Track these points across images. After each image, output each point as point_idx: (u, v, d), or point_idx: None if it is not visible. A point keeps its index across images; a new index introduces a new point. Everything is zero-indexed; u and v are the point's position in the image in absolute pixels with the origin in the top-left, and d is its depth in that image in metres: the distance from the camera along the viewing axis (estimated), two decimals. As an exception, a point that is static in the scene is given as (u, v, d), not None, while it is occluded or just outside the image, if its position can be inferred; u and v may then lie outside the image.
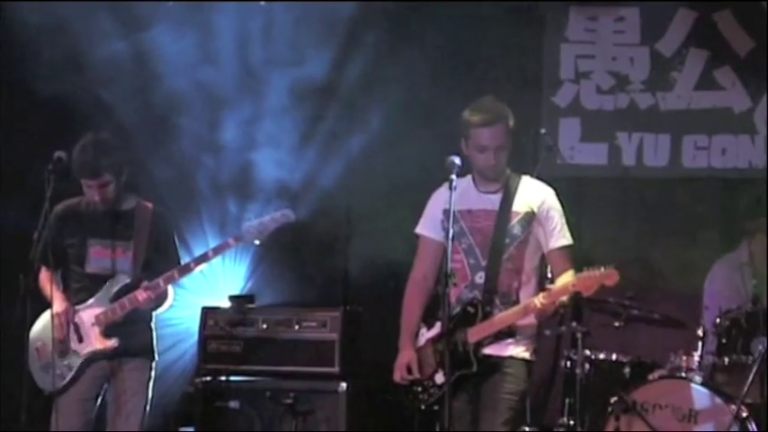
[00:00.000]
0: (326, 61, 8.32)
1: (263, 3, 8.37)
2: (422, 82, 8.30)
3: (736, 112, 8.26)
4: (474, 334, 5.91)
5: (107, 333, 6.41)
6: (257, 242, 6.52)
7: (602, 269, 5.79)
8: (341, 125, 8.59)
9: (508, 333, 5.96)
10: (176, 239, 6.77)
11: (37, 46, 7.93)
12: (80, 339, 6.42)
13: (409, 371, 6.06)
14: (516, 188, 6.10)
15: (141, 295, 6.36)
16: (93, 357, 6.41)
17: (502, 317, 5.91)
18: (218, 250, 6.55)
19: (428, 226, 6.19)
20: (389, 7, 8.40)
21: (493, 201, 6.09)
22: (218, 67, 8.53)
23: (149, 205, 6.64)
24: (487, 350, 5.94)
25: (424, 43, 8.27)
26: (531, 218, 6.04)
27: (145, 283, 6.39)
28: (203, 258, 6.51)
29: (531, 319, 5.97)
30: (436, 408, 6.00)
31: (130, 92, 8.37)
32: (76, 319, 6.45)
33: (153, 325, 6.59)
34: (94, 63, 8.23)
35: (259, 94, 8.60)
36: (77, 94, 8.00)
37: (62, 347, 6.40)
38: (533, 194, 6.09)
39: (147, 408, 6.52)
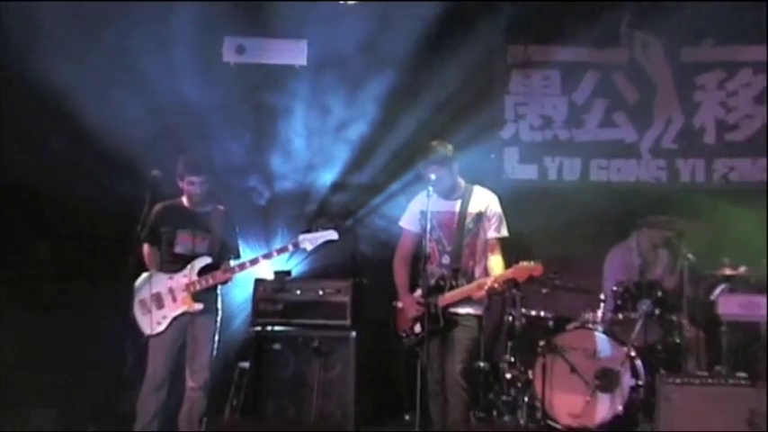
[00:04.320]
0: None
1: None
2: (410, 122, 7.98)
3: (627, 142, 8.30)
4: (443, 300, 6.01)
5: (194, 297, 6.38)
6: (309, 249, 6.43)
7: (532, 263, 5.90)
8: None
9: (466, 299, 6.02)
10: (238, 236, 6.71)
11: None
12: (173, 299, 6.40)
13: (407, 305, 6.09)
14: (470, 196, 6.19)
15: (222, 275, 6.42)
16: (181, 315, 6.39)
17: (463, 290, 6.02)
18: (280, 251, 6.54)
19: (408, 221, 6.30)
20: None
21: (454, 205, 6.17)
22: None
23: (221, 208, 6.64)
24: (451, 310, 6.01)
25: (415, 93, 8.04)
26: (480, 216, 6.17)
27: (224, 266, 6.45)
28: (268, 255, 6.54)
29: (481, 292, 5.98)
30: (417, 349, 5.99)
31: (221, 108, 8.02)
32: (172, 284, 6.42)
33: (219, 292, 6.53)
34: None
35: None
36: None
37: (159, 303, 6.40)
38: (482, 200, 6.21)
39: (214, 350, 6.48)
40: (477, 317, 6.10)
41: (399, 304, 6.21)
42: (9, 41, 7.25)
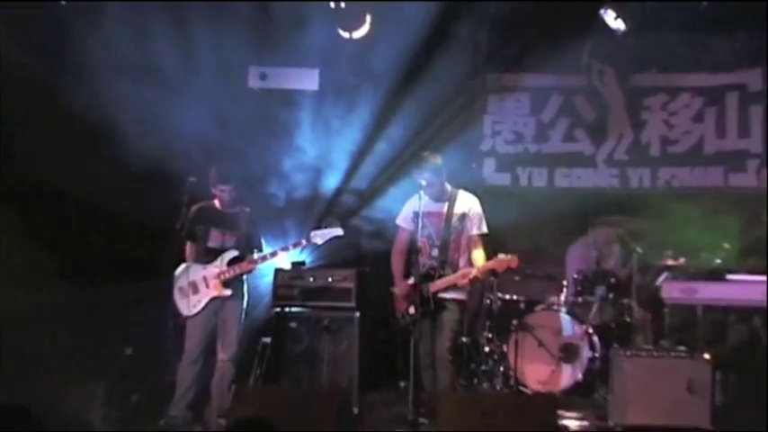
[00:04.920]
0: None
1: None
2: (403, 137, 8.00)
3: (586, 154, 8.31)
4: (433, 287, 6.10)
5: (224, 284, 6.42)
6: (319, 243, 6.50)
7: (509, 256, 6.01)
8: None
9: (452, 286, 6.11)
10: (260, 232, 6.74)
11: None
12: (207, 286, 6.44)
13: (401, 291, 6.17)
14: (455, 198, 6.26)
15: (248, 266, 6.46)
16: (214, 299, 6.43)
17: (450, 279, 6.10)
18: (295, 245, 6.59)
19: (403, 220, 6.38)
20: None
21: (442, 206, 6.25)
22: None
23: (247, 210, 6.67)
24: (439, 295, 6.09)
25: (408, 112, 7.97)
26: (464, 216, 6.23)
27: (249, 258, 6.48)
28: (286, 249, 6.59)
29: (465, 280, 6.08)
30: (411, 328, 6.05)
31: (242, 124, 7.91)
32: (205, 273, 6.45)
33: (245, 280, 6.55)
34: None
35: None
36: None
37: (195, 289, 6.43)
38: (465, 202, 6.28)
39: (241, 328, 6.52)
40: (461, 301, 6.20)
41: (396, 290, 6.28)
42: (66, 69, 7.25)
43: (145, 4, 7.13)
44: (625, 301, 6.98)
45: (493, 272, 6.20)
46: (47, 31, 7.29)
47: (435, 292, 6.09)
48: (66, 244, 7.34)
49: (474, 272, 6.07)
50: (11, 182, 7.16)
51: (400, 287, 6.23)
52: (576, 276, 7.17)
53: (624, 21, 7.13)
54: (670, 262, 6.85)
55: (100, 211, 7.38)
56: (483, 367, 6.98)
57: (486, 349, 7.01)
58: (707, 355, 6.10)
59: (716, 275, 6.43)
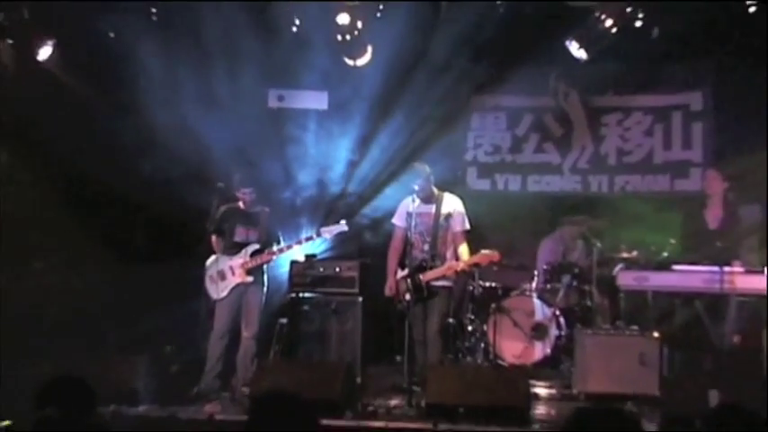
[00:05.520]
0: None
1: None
2: (399, 149, 7.88)
3: (554, 164, 8.29)
4: (425, 277, 6.09)
5: (247, 272, 6.41)
6: (327, 237, 6.50)
7: (492, 251, 6.01)
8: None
9: (441, 276, 6.11)
10: (277, 229, 6.71)
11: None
12: (233, 274, 6.42)
13: (390, 290, 6.17)
14: (442, 200, 6.25)
15: (268, 257, 6.44)
16: (239, 285, 6.43)
17: (439, 270, 6.08)
18: (307, 239, 6.54)
19: (399, 219, 6.36)
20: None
21: (431, 207, 6.24)
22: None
23: (266, 209, 6.65)
24: (431, 284, 6.08)
25: (403, 128, 7.88)
26: (450, 215, 6.22)
27: (268, 250, 6.45)
28: (299, 242, 6.55)
29: (452, 271, 6.09)
30: (406, 311, 6.03)
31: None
32: (231, 263, 6.42)
33: (265, 269, 6.52)
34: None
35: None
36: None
37: (222, 277, 6.42)
38: (451, 204, 6.27)
39: (261, 310, 6.49)
40: (449, 288, 6.22)
41: (388, 284, 6.22)
42: (125, 94, 7.32)
43: (183, 38, 7.17)
44: (587, 287, 6.99)
45: (476, 264, 6.22)
46: (108, 64, 7.37)
47: (427, 282, 6.10)
48: (117, 237, 7.36)
49: (461, 265, 6.09)
50: (85, 190, 7.24)
51: (390, 283, 6.24)
52: (545, 267, 7.18)
53: (586, 50, 7.18)
54: (624, 255, 6.84)
55: (143, 210, 7.43)
56: (466, 344, 6.97)
57: (469, 329, 7.00)
58: (656, 334, 6.13)
59: (663, 266, 6.38)
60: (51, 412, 3.10)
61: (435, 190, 6.31)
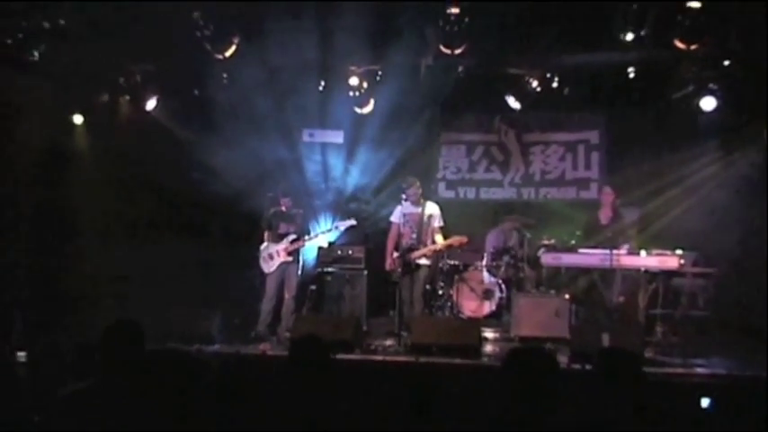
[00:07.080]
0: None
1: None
2: (393, 168, 7.59)
3: (497, 179, 8.08)
4: (413, 256, 6.03)
5: (288, 254, 6.35)
6: (342, 229, 6.44)
7: (461, 237, 5.99)
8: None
9: (424, 256, 6.05)
10: (308, 223, 6.68)
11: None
12: (278, 255, 6.36)
13: (389, 266, 6.10)
14: (425, 205, 6.21)
15: (302, 243, 6.37)
16: (282, 263, 6.37)
17: (423, 250, 6.03)
18: (328, 231, 6.53)
19: (395, 218, 6.31)
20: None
21: (418, 209, 6.19)
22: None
23: (301, 211, 6.60)
24: (416, 261, 6.03)
25: (394, 155, 7.64)
26: (431, 216, 6.18)
27: (303, 239, 6.39)
28: (323, 233, 6.56)
29: (432, 252, 6.03)
30: (398, 280, 6.04)
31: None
32: (277, 248, 6.35)
33: (300, 252, 6.44)
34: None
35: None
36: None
37: (271, 257, 6.33)
38: (431, 207, 6.24)
39: (298, 280, 6.41)
40: (429, 265, 6.18)
41: (387, 261, 6.21)
42: (207, 133, 7.17)
43: (247, 94, 7.01)
44: (520, 264, 6.86)
45: (451, 246, 6.11)
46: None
47: (415, 259, 6.10)
48: (200, 231, 7.28)
49: (439, 247, 6.09)
50: (179, 203, 7.14)
51: (388, 260, 6.21)
52: (491, 250, 7.08)
53: (520, 102, 7.23)
54: (546, 242, 6.70)
55: (215, 213, 7.35)
56: (438, 303, 6.79)
57: (440, 293, 6.82)
58: (567, 296, 6.13)
59: (572, 249, 6.33)
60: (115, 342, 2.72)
61: (420, 197, 6.29)
